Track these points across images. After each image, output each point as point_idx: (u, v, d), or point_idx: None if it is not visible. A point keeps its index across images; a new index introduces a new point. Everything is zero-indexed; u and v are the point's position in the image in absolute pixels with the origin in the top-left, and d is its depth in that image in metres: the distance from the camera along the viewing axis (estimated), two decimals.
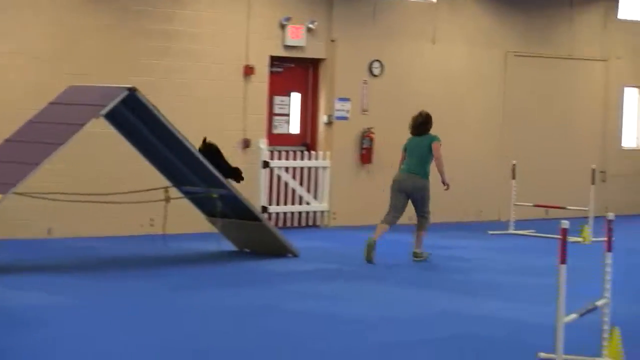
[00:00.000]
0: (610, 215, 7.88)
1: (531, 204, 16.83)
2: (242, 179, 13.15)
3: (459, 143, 17.56)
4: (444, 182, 13.10)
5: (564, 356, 7.07)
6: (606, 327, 7.94)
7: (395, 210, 13.06)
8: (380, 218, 13.11)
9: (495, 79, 18.35)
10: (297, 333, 8.79)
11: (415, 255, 13.09)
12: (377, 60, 16.91)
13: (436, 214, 17.02)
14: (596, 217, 15.58)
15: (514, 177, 16.73)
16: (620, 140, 20.34)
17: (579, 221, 14.74)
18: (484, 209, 17.89)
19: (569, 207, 16.23)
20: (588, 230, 15.49)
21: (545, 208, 17.56)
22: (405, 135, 16.78)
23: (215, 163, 12.51)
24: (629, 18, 20.15)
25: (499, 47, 18.36)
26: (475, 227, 17.02)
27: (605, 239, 7.88)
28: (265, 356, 7.97)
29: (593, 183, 16.29)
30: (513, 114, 18.44)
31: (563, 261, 6.92)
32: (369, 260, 12.74)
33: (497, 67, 18.37)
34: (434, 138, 13.12)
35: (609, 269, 7.88)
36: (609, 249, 7.86)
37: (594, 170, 16.42)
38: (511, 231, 16.45)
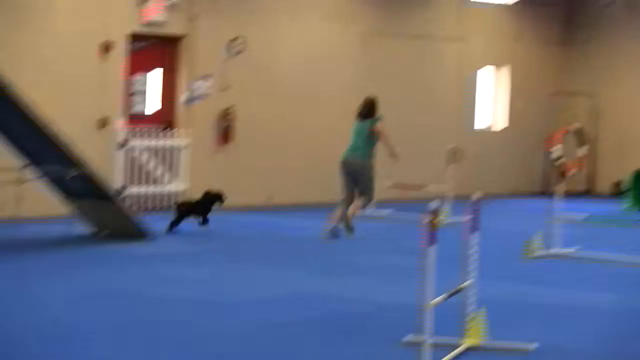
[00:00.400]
0: (476, 196, 7.92)
1: (389, 184, 16.93)
2: (223, 201, 14.00)
3: (318, 121, 17.56)
4: (393, 155, 14.02)
5: (430, 339, 7.04)
6: (471, 308, 7.98)
7: (345, 192, 13.95)
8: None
9: (355, 56, 18.38)
10: (159, 318, 8.60)
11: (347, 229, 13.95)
12: (238, 37, 16.72)
13: (294, 195, 17.05)
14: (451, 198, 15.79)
15: None
16: (474, 121, 20.66)
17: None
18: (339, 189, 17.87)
19: (425, 189, 16.31)
20: (445, 210, 15.63)
21: (402, 189, 17.68)
22: (267, 112, 16.84)
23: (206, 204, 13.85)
24: None
25: (358, 24, 18.40)
26: (331, 208, 16.96)
27: (471, 219, 7.91)
28: (134, 344, 7.76)
29: (450, 164, 16.47)
30: (371, 92, 18.41)
31: (431, 243, 6.89)
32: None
33: (357, 45, 18.41)
34: (376, 120, 13.94)
35: (474, 250, 7.93)
36: (475, 230, 7.89)
37: (450, 151, 16.60)
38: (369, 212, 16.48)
